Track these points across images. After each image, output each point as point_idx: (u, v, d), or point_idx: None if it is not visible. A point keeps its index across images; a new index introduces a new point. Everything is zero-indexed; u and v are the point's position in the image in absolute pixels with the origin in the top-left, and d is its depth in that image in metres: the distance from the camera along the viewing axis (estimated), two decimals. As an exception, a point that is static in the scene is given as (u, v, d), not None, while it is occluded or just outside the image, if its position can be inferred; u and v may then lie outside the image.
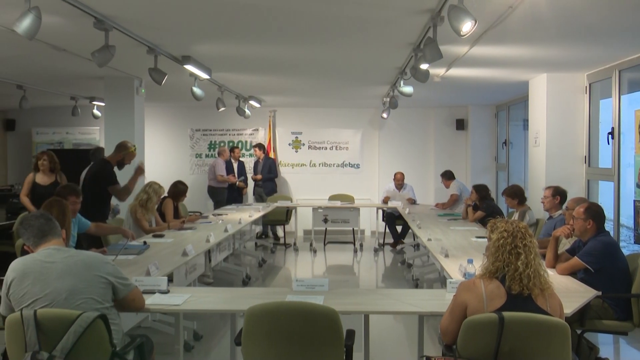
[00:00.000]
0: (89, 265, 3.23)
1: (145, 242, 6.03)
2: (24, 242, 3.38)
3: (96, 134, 13.04)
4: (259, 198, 12.33)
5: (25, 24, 4.10)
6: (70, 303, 3.09)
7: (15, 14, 4.13)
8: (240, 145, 13.27)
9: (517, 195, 7.51)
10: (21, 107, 9.45)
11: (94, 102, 11.12)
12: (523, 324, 3.00)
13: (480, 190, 8.72)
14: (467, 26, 4.20)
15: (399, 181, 11.38)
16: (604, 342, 5.65)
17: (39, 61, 7.35)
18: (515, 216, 7.37)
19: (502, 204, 11.03)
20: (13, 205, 9.55)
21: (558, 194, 6.50)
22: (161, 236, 6.73)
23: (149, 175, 9.44)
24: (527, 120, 9.29)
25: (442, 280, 7.32)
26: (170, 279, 4.73)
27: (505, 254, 3.13)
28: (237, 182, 12.14)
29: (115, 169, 7.00)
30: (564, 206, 6.32)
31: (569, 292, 4.15)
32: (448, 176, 10.69)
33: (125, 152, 7.03)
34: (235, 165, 12.35)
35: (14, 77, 8.66)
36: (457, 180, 10.71)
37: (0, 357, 3.21)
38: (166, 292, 4.05)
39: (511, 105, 11.51)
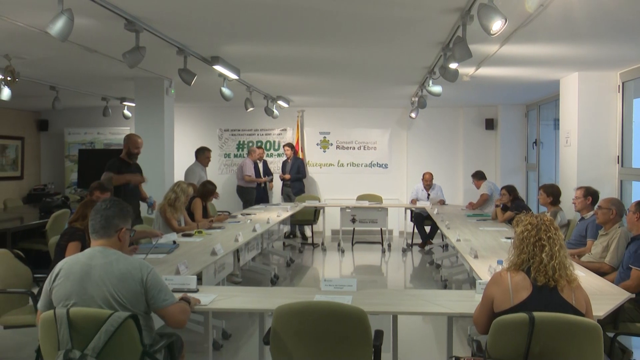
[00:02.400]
0: (126, 276, 3.17)
1: (174, 242, 6.08)
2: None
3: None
4: (287, 198, 12.37)
5: (58, 26, 4.17)
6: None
7: (49, 16, 4.20)
8: (268, 145, 13.32)
9: (552, 194, 7.34)
10: (54, 108, 9.61)
11: (125, 103, 11.27)
12: (554, 325, 2.97)
13: (512, 191, 8.63)
14: (497, 25, 4.16)
15: (428, 181, 11.31)
16: (639, 346, 5.54)
17: (71, 62, 7.47)
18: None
19: (532, 203, 10.92)
20: (46, 204, 9.72)
21: (590, 195, 6.39)
22: (190, 235, 6.79)
23: (178, 175, 9.53)
24: (558, 120, 9.16)
25: (471, 281, 7.26)
26: (199, 278, 4.77)
27: (529, 246, 3.16)
28: (264, 180, 12.16)
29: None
30: (596, 206, 6.21)
31: (602, 294, 4.08)
32: (479, 177, 10.59)
33: (127, 142, 7.32)
34: (260, 165, 12.38)
35: (47, 78, 8.80)
36: (488, 180, 10.60)
37: (35, 354, 3.25)
38: (195, 291, 4.08)
39: (542, 105, 11.36)
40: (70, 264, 3.21)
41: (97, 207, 3.37)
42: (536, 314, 2.96)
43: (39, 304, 3.27)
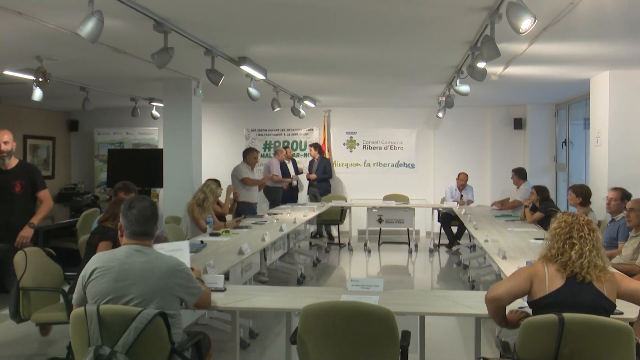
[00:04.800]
0: (164, 274, 3.23)
1: (202, 241, 6.13)
2: (121, 222, 3.34)
3: (155, 135, 13.34)
4: (313, 198, 12.37)
5: (88, 27, 4.23)
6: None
7: (79, 17, 4.26)
8: (294, 145, 13.35)
9: (582, 195, 7.18)
10: (84, 108, 9.73)
11: (153, 103, 11.38)
12: (584, 326, 2.94)
13: (541, 192, 8.50)
14: (526, 23, 4.12)
15: (463, 181, 11.20)
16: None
17: (101, 63, 7.56)
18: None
19: (561, 204, 10.78)
20: (76, 203, 9.86)
21: (626, 198, 6.23)
22: (217, 235, 6.83)
23: (206, 175, 9.59)
24: (588, 119, 9.04)
25: (499, 283, 7.19)
26: (226, 277, 4.79)
27: (559, 242, 3.23)
28: (291, 182, 12.16)
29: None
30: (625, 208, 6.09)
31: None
32: (521, 175, 10.32)
33: None
34: (290, 165, 12.40)
35: (77, 79, 8.92)
36: (529, 182, 10.34)
37: (66, 350, 3.30)
38: (223, 290, 4.11)
39: (571, 104, 11.22)
40: (107, 261, 3.24)
41: (143, 209, 3.31)
42: (566, 315, 2.93)
43: (74, 299, 3.32)
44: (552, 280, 3.15)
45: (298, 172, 12.65)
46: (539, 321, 3.01)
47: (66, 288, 4.79)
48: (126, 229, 3.33)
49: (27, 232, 5.53)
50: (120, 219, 3.36)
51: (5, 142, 5.51)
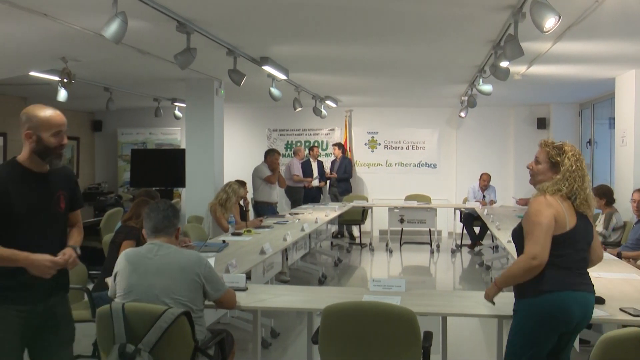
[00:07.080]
0: (183, 267, 3.33)
1: (224, 241, 6.15)
2: (143, 226, 3.52)
3: (177, 135, 13.43)
4: (334, 197, 12.37)
5: (112, 28, 4.28)
6: (160, 302, 3.22)
7: (103, 19, 4.31)
8: (316, 145, 13.35)
9: (605, 195, 7.12)
10: (107, 109, 9.84)
11: (176, 104, 11.46)
12: None
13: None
14: (550, 22, 4.09)
15: (485, 182, 11.13)
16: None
17: (125, 64, 7.64)
18: (601, 218, 7.08)
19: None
20: (100, 202, 9.96)
21: None
22: (239, 234, 6.85)
23: (228, 174, 9.64)
24: (614, 119, 8.93)
25: (522, 284, 7.12)
26: (248, 277, 4.81)
27: (577, 178, 3.20)
28: (312, 181, 12.15)
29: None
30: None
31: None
32: None
33: (33, 124, 3.21)
34: (315, 165, 12.40)
35: (101, 79, 9.02)
36: None
37: (92, 347, 3.35)
38: (244, 289, 4.12)
39: (596, 103, 11.09)
40: (131, 257, 3.38)
41: (156, 208, 3.48)
42: None
43: (110, 292, 3.51)
44: (570, 217, 3.16)
45: (324, 175, 12.59)
46: (623, 336, 2.88)
47: (90, 287, 4.84)
48: (146, 228, 3.48)
49: (72, 253, 3.21)
50: (143, 225, 3.52)
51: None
